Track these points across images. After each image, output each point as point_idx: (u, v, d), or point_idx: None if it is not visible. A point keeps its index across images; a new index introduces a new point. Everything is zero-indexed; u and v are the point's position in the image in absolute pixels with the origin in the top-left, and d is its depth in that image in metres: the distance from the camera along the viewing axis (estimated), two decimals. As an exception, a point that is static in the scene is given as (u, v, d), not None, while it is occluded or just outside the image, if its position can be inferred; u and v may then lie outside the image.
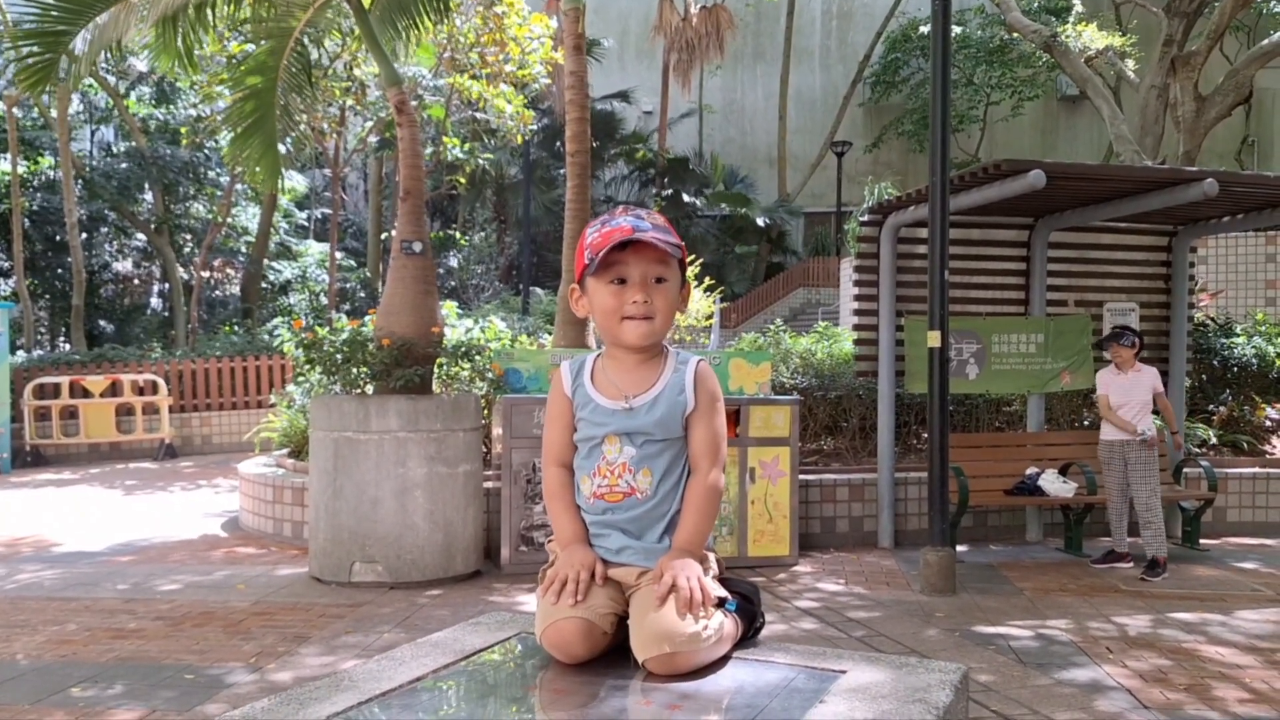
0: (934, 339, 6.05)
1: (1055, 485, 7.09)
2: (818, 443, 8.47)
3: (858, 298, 7.87)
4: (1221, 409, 8.91)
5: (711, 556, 1.69)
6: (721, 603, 1.60)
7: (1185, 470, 7.48)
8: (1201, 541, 7.30)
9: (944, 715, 1.31)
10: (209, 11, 6.98)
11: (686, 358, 1.75)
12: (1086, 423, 8.48)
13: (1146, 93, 16.71)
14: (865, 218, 7.84)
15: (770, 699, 1.37)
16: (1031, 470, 7.23)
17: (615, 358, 1.74)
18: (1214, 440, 8.42)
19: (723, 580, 1.68)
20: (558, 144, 27.27)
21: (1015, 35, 21.21)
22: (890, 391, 7.47)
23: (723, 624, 1.56)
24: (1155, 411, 6.70)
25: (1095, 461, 6.94)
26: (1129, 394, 6.53)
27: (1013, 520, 7.74)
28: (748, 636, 1.67)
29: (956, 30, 27.57)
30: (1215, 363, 8.90)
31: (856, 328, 8.01)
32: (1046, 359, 7.65)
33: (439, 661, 1.56)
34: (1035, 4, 25.03)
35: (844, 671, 1.49)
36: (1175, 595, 5.85)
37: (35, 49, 6.37)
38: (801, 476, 7.10)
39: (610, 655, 1.56)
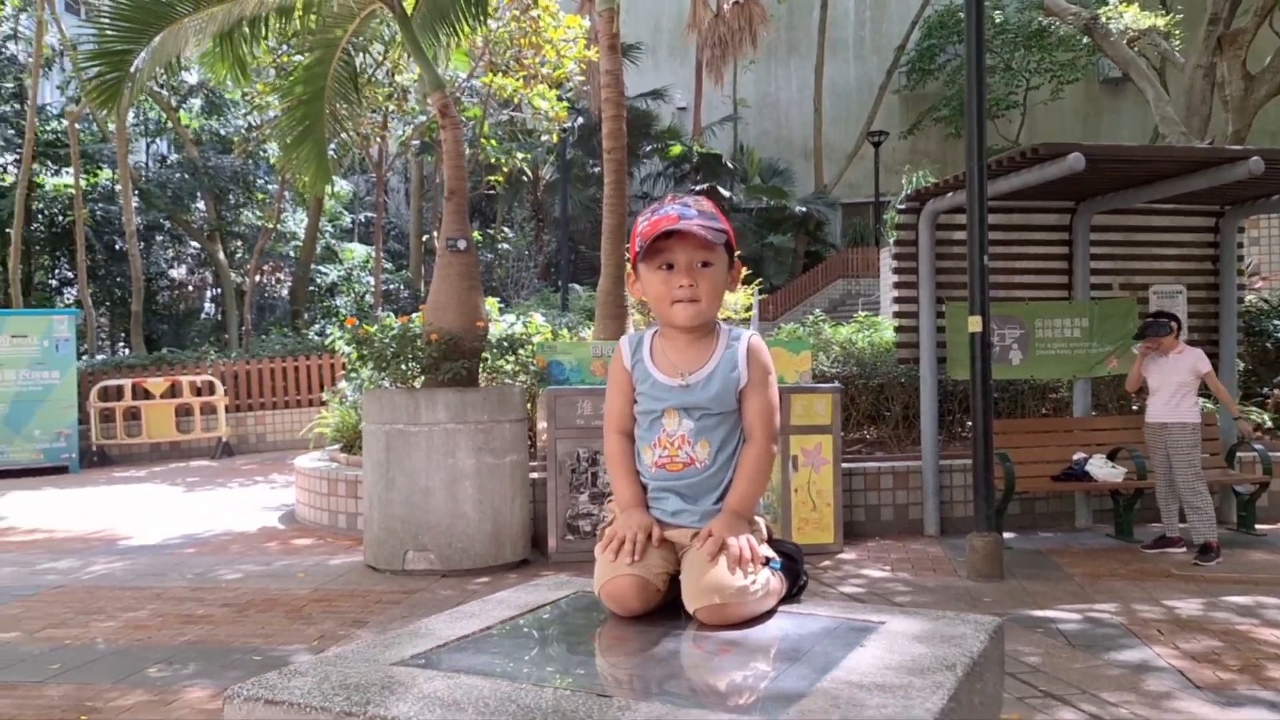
0: (975, 324, 6.08)
1: (1103, 470, 7.06)
2: (861, 432, 8.51)
3: (897, 285, 7.91)
4: (1276, 392, 8.81)
5: (760, 520, 1.79)
6: (768, 561, 1.71)
7: (1239, 454, 7.42)
8: (1257, 526, 7.24)
9: (977, 659, 1.40)
10: (262, 26, 7.19)
11: (739, 334, 1.85)
12: (1135, 407, 8.44)
13: (1192, 73, 16.45)
14: (903, 205, 7.87)
15: (813, 644, 1.48)
16: (1079, 455, 7.21)
17: (670, 337, 1.85)
18: (1268, 424, 8.33)
19: (769, 542, 1.79)
20: (593, 142, 27.43)
21: (1053, 19, 20.94)
22: (932, 378, 7.50)
23: (769, 580, 1.67)
24: (1206, 395, 6.63)
25: (1144, 446, 6.92)
26: (1166, 376, 6.51)
27: (1061, 507, 7.72)
28: (792, 594, 1.77)
29: (994, 15, 27.30)
30: (1268, 345, 8.79)
31: (897, 315, 8.05)
32: (1091, 343, 7.64)
33: (505, 614, 1.68)
34: (1074, -14, 24.68)
35: (882, 622, 1.59)
36: (1229, 579, 5.81)
37: (102, 69, 6.63)
38: (845, 465, 7.15)
39: (663, 610, 1.68)
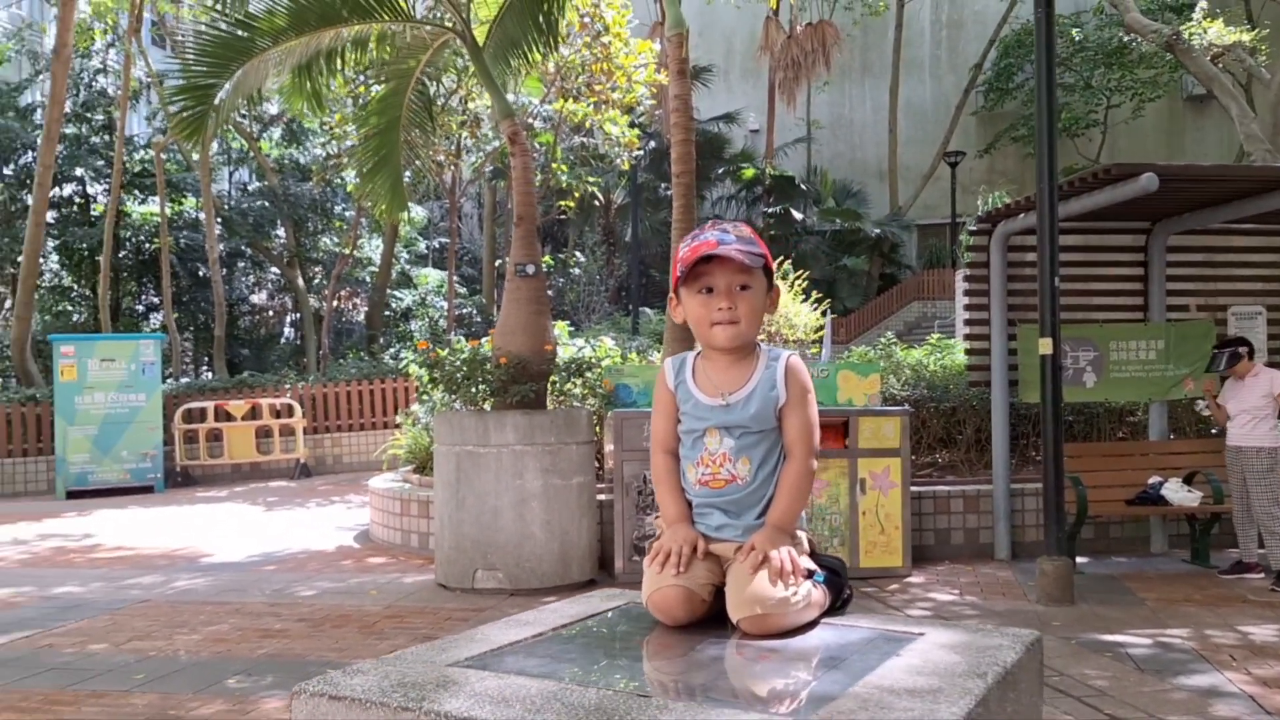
0: (1045, 346, 6.02)
1: (1179, 494, 6.90)
2: (932, 455, 8.43)
3: (968, 307, 7.85)
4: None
5: (802, 534, 1.84)
6: (810, 574, 1.75)
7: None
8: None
9: (1010, 669, 1.43)
10: (338, 59, 7.47)
11: (778, 354, 1.91)
12: (1215, 431, 8.22)
13: (1279, 89, 16.04)
14: (974, 227, 7.82)
15: (850, 653, 1.52)
16: (1154, 479, 7.05)
17: (710, 358, 1.92)
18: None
19: (812, 555, 1.83)
20: (664, 166, 27.63)
21: (1134, 36, 20.55)
22: (1004, 400, 7.42)
23: (810, 592, 1.71)
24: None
25: (1222, 470, 6.75)
26: (1242, 400, 6.39)
27: (1136, 532, 7.56)
28: (836, 607, 1.81)
29: (1073, 33, 26.88)
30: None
31: (968, 337, 7.98)
32: (1168, 365, 7.48)
33: (557, 622, 1.76)
34: (1156, 2, 24.22)
35: (921, 634, 1.62)
36: (1308, 605, 5.66)
37: (187, 102, 6.96)
38: (914, 488, 7.10)
39: (709, 621, 1.73)
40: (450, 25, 7.62)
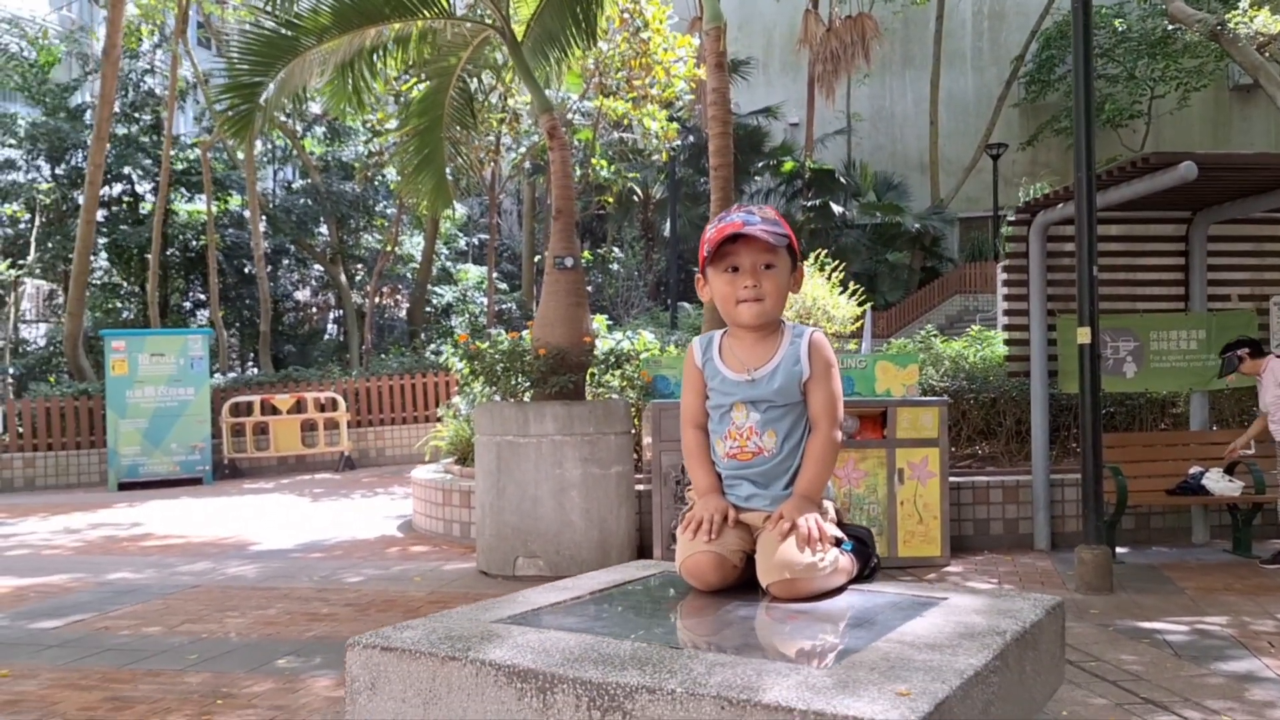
0: (1084, 335, 6.00)
1: (1220, 484, 6.85)
2: (972, 447, 8.42)
3: (1007, 297, 7.83)
4: None
5: (828, 503, 1.91)
6: (838, 542, 1.82)
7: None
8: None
9: (1029, 628, 1.49)
10: (381, 56, 7.61)
11: (802, 330, 1.97)
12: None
13: (1326, 76, 15.73)
14: (1013, 217, 7.80)
15: (875, 614, 1.59)
16: (1195, 469, 7.01)
17: (736, 335, 1.99)
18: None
19: (840, 525, 1.90)
20: (702, 160, 27.62)
21: (1179, 25, 20.23)
22: (1043, 390, 7.39)
23: (837, 559, 1.78)
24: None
25: (1264, 461, 6.70)
26: (1264, 394, 6.39)
27: (1178, 522, 7.51)
28: (864, 575, 1.88)
29: (1116, 23, 26.52)
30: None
31: (1007, 328, 7.96)
32: (1209, 356, 7.42)
33: (595, 586, 1.84)
34: (1200, -9, 23.82)
35: (945, 598, 1.68)
36: (1351, 595, 5.61)
37: (234, 100, 7.14)
38: (952, 479, 7.10)
39: (739, 588, 1.81)
40: (490, 22, 7.72)
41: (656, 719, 1.20)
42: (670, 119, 14.49)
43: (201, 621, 5.50)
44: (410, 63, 8.26)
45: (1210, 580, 6.07)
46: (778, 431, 1.91)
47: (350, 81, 7.65)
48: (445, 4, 7.45)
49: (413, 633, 1.48)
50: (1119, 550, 6.69)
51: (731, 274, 1.92)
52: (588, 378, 7.19)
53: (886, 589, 1.81)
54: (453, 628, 1.50)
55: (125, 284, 21.88)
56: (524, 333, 7.57)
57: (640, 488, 7.01)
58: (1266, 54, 17.32)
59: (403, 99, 12.87)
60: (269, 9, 6.92)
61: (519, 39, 7.79)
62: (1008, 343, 7.97)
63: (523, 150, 17.48)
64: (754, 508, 1.89)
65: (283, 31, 6.96)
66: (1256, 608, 5.32)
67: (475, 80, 10.73)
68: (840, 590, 1.77)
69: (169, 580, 6.72)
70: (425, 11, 7.28)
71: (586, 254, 25.57)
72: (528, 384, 6.95)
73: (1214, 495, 6.81)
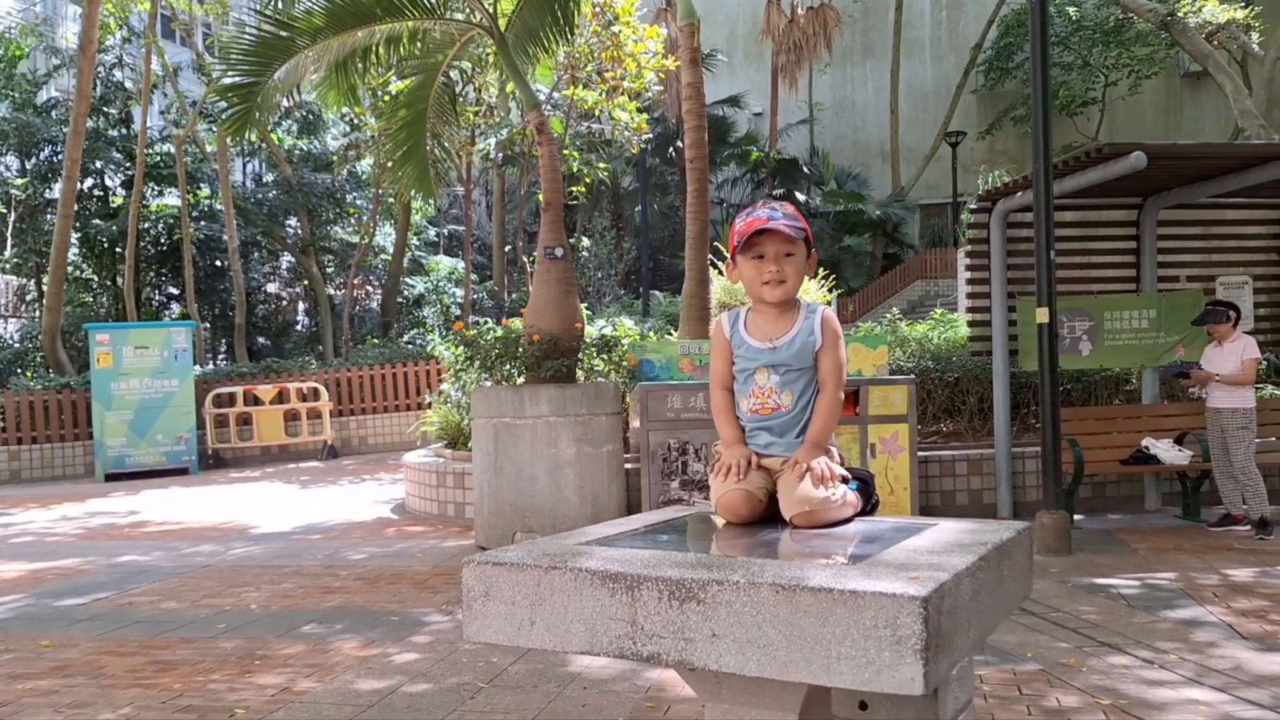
0: (1042, 315, 6.45)
1: (1170, 454, 7.35)
2: (937, 425, 8.88)
3: (970, 281, 8.28)
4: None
5: (833, 449, 2.30)
6: (846, 481, 2.21)
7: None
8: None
9: (1005, 542, 1.88)
10: (372, 55, 7.89)
11: (815, 307, 2.36)
12: (1201, 395, 8.65)
13: (1273, 65, 16.42)
14: (975, 205, 8.25)
15: (884, 535, 1.98)
16: (1147, 441, 7.50)
17: (760, 311, 2.37)
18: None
19: (847, 468, 2.29)
20: (670, 150, 28.03)
21: (1131, 14, 20.87)
22: (1004, 369, 7.85)
23: (846, 493, 2.17)
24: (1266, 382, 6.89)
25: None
26: (1222, 363, 6.82)
27: (1132, 490, 8.01)
28: (866, 510, 2.27)
29: (1069, 11, 27.19)
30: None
31: (970, 310, 8.41)
32: (1159, 334, 7.91)
33: (645, 523, 2.21)
34: (1153, -19, 24.48)
35: (936, 524, 2.07)
36: (1290, 551, 6.10)
37: (233, 100, 7.40)
38: (921, 453, 7.53)
39: (765, 521, 2.19)
40: (478, 21, 8.03)
41: (725, 603, 1.56)
42: (640, 109, 14.83)
43: (220, 596, 5.81)
44: (400, 60, 8.53)
45: (1161, 542, 6.56)
46: (794, 391, 2.30)
47: (344, 79, 7.92)
48: (434, 4, 7.74)
49: (515, 552, 1.83)
50: (1077, 517, 7.17)
51: (758, 261, 2.31)
52: (578, 362, 7.55)
53: (887, 519, 2.20)
54: (546, 549, 1.86)
55: (96, 278, 21.86)
56: (513, 321, 7.91)
57: (629, 465, 7.38)
58: (1215, 43, 17.97)
59: (379, 94, 13.11)
60: (267, 11, 7.18)
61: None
62: (970, 324, 8.43)
63: (493, 142, 17.72)
64: (772, 454, 2.28)
65: (279, 33, 7.22)
66: (1203, 565, 5.80)
67: (456, 74, 11.02)
68: (850, 520, 2.15)
69: (179, 562, 7.00)
70: (415, 12, 7.57)
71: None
72: (521, 369, 7.30)
73: (1164, 464, 7.30)
